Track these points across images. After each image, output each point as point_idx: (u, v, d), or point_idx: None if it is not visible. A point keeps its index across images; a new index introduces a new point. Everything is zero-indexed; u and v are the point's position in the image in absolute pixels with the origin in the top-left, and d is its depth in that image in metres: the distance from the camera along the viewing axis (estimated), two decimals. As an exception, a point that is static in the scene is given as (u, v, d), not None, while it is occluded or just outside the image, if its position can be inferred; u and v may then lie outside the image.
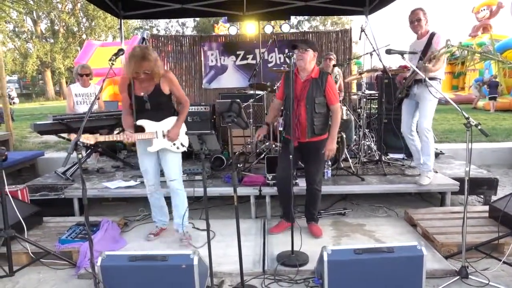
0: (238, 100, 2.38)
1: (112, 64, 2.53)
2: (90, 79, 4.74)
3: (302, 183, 3.67)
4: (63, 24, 28.95)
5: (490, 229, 3.18)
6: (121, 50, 2.59)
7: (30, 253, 2.92)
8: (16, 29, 28.25)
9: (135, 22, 32.96)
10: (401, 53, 2.87)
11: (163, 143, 3.08)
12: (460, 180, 3.87)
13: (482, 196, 4.28)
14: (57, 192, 4.01)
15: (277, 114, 3.51)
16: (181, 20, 35.98)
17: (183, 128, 3.17)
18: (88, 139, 2.78)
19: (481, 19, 17.40)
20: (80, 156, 2.31)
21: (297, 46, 3.01)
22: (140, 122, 3.06)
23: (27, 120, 13.27)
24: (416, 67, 3.43)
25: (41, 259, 2.91)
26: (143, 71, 2.86)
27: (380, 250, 2.41)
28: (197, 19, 33.26)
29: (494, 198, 4.08)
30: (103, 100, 5.13)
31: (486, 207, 3.58)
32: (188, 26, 36.48)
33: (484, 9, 17.27)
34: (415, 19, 3.74)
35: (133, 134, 3.00)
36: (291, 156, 2.78)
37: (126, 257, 2.41)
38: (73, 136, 4.65)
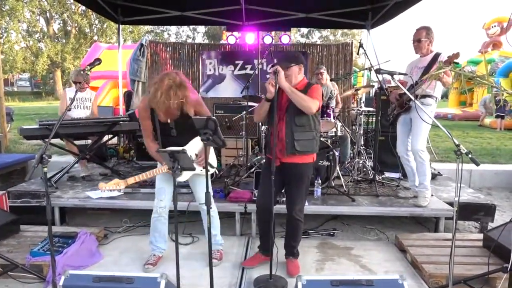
0: (214, 117, 2.26)
1: (87, 74, 2.43)
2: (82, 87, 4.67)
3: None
4: (76, 25, 29.28)
5: (483, 260, 3.01)
6: (97, 59, 2.50)
7: (-3, 266, 2.82)
8: (29, 29, 28.63)
9: (146, 26, 33.22)
10: (391, 74, 2.74)
11: (190, 173, 2.87)
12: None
13: (479, 222, 4.10)
14: (39, 199, 3.93)
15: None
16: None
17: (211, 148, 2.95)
18: (118, 185, 2.62)
19: (492, 36, 17.16)
20: (45, 169, 2.21)
21: (279, 66, 2.87)
22: (161, 151, 2.77)
23: (31, 120, 13.32)
24: (419, 82, 3.35)
25: (9, 272, 2.81)
26: (180, 99, 2.62)
27: (359, 283, 2.26)
28: (207, 24, 33.32)
29: (491, 225, 3.91)
30: (97, 105, 5.04)
31: (481, 235, 3.42)
32: (199, 31, 36.69)
33: (495, 26, 17.02)
34: (415, 39, 3.66)
35: (163, 167, 2.79)
36: (272, 176, 2.63)
37: (90, 277, 2.29)
38: (70, 145, 4.58)
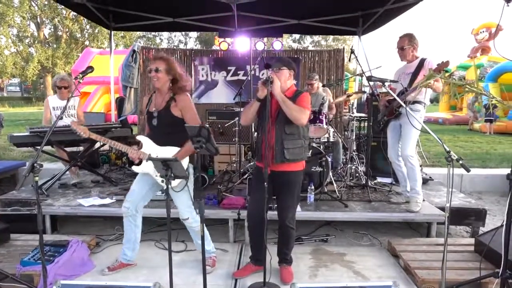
0: (207, 125, 2.26)
1: (79, 82, 2.42)
2: (68, 92, 4.61)
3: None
4: (67, 30, 29.10)
5: (475, 265, 3.03)
6: (90, 67, 2.49)
7: (-13, 276, 2.77)
8: (20, 34, 28.39)
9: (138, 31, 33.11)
10: (382, 81, 2.77)
11: (149, 168, 2.81)
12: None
13: (471, 227, 4.14)
14: (30, 208, 3.88)
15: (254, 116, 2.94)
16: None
17: (184, 162, 2.76)
18: (84, 132, 2.76)
19: (480, 41, 17.46)
20: (37, 178, 2.19)
21: (271, 66, 2.88)
22: (140, 138, 2.87)
23: (21, 126, 13.17)
24: (408, 89, 3.36)
25: (-1, 282, 2.76)
26: (155, 67, 2.73)
27: (352, 289, 2.28)
28: (200, 29, 33.32)
29: (482, 229, 3.95)
30: (83, 111, 4.98)
31: (472, 240, 3.45)
32: (191, 36, 36.69)
33: (483, 31, 17.34)
34: (398, 47, 3.73)
35: (132, 148, 2.81)
36: (265, 183, 2.63)
37: (83, 287, 2.29)
38: (60, 152, 4.53)
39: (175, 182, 2.75)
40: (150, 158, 2.28)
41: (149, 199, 3.04)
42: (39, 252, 3.05)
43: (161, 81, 2.77)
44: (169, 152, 2.79)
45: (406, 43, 3.67)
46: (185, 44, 36.13)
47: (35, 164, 2.14)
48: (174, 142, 2.80)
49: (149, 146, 2.84)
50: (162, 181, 2.81)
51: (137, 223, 3.01)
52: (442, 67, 2.91)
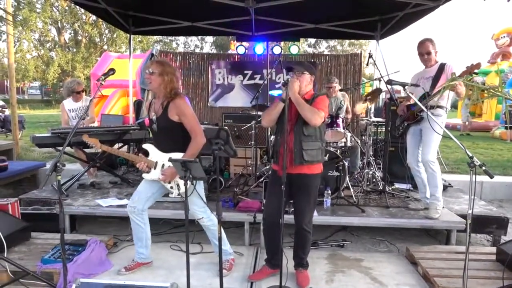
0: (226, 127, 2.27)
1: (101, 84, 2.47)
2: (84, 94, 4.74)
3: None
4: (86, 34, 29.75)
5: (497, 274, 2.96)
6: (112, 69, 2.54)
7: (9, 273, 2.83)
8: (41, 38, 29.16)
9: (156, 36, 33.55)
10: (403, 85, 2.74)
11: (157, 176, 2.86)
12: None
13: (492, 235, 4.04)
14: (50, 207, 3.96)
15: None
16: (200, 35, 36.42)
17: None
18: (95, 143, 2.82)
19: (501, 46, 17.05)
20: (59, 177, 2.24)
21: (293, 69, 2.88)
22: (146, 146, 2.91)
23: (41, 128, 13.48)
24: (430, 93, 3.29)
25: (20, 279, 2.82)
26: (150, 70, 2.74)
27: (371, 295, 2.25)
28: (216, 34, 33.59)
29: (504, 238, 3.85)
30: (107, 113, 5.10)
31: (494, 249, 3.36)
32: (207, 41, 36.99)
33: (504, 36, 16.93)
34: (425, 52, 3.65)
35: (140, 158, 2.86)
36: (283, 186, 2.62)
37: (102, 286, 2.31)
38: (79, 153, 4.64)
39: (183, 189, 2.73)
40: (170, 160, 2.30)
41: (156, 200, 3.07)
42: (59, 251, 3.11)
43: (154, 83, 2.77)
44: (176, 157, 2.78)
45: (431, 47, 3.62)
46: (201, 48, 36.47)
47: (57, 164, 2.18)
48: (177, 147, 2.80)
49: (155, 154, 2.87)
50: (171, 188, 2.87)
51: (145, 221, 3.03)
52: (473, 69, 2.83)
